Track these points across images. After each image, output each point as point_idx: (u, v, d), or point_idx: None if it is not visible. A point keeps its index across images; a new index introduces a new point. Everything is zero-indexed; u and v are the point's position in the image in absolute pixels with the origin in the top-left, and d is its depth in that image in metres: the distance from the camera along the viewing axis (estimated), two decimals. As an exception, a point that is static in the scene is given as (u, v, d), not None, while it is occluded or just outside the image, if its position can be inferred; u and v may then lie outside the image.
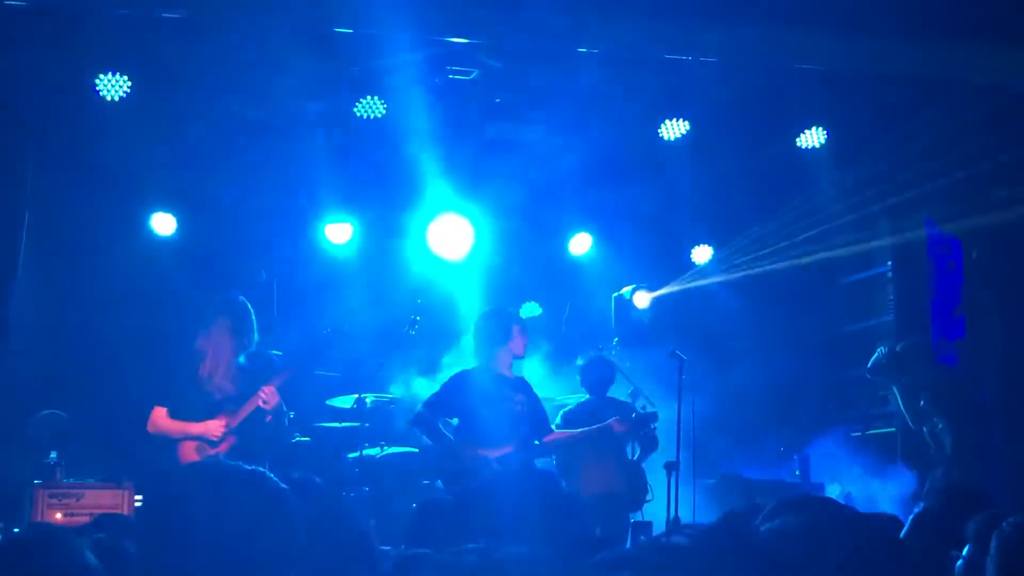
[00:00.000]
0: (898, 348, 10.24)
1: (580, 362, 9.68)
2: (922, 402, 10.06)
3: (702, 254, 11.86)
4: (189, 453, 7.85)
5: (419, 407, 8.52)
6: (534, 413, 8.53)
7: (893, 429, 10.94)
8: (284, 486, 2.83)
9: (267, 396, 7.90)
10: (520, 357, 8.58)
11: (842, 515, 2.69)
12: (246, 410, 7.97)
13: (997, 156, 9.91)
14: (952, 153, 10.13)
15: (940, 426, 9.81)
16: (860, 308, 12.04)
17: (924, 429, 9.97)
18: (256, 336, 8.19)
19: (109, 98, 9.24)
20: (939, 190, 10.63)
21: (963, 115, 9.80)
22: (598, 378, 9.51)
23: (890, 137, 10.33)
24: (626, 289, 11.84)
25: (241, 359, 8.06)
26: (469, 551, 2.30)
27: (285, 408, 8.22)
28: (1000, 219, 10.14)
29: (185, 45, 8.86)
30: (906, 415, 10.19)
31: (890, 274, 11.77)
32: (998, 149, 9.92)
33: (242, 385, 8.01)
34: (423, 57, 9.37)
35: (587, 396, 9.55)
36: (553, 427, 8.88)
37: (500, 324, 8.53)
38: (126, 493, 8.46)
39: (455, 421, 8.52)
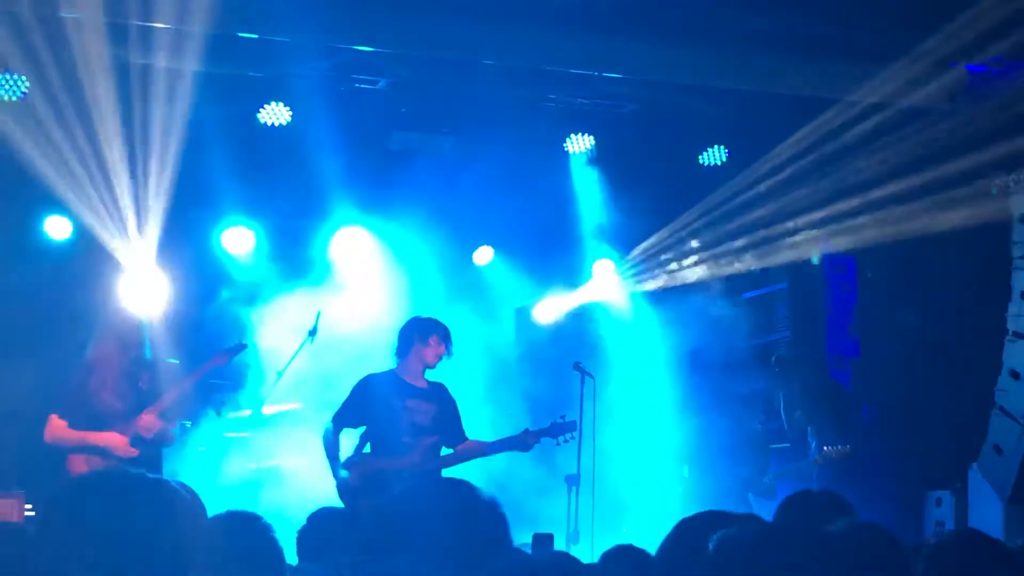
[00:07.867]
0: (786, 353, 10.49)
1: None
2: (798, 412, 10.33)
3: (604, 268, 11.94)
4: (79, 464, 7.64)
5: (328, 422, 8.24)
6: (445, 422, 8.28)
7: (788, 445, 11.11)
8: (187, 495, 2.80)
9: (148, 425, 7.73)
10: (430, 367, 8.28)
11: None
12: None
13: (892, 175, 10.12)
14: (847, 172, 10.33)
15: (810, 440, 10.11)
16: (759, 324, 12.21)
17: (791, 439, 10.26)
18: (148, 351, 7.97)
19: (6, 98, 9.04)
20: (835, 209, 10.84)
21: (857, 134, 10.00)
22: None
23: (787, 157, 10.50)
24: (527, 302, 11.89)
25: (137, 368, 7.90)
26: (345, 564, 2.28)
27: (182, 419, 8.09)
28: (895, 238, 10.36)
29: (84, 45, 8.68)
30: (784, 421, 10.45)
31: (786, 291, 11.97)
32: (893, 168, 10.14)
33: (131, 401, 7.81)
34: (329, 65, 9.31)
35: None
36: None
37: (414, 330, 8.29)
38: (15, 502, 8.25)
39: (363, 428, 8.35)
